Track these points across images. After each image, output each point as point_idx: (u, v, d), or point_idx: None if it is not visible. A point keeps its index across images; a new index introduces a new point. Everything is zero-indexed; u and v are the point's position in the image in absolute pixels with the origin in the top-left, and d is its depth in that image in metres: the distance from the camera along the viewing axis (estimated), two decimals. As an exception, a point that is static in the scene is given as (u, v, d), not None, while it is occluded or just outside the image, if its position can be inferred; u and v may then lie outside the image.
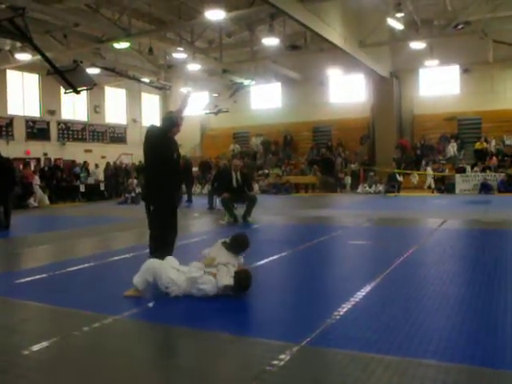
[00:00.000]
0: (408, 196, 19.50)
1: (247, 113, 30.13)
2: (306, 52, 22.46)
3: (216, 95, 28.57)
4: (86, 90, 11.87)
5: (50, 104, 24.51)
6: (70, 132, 25.66)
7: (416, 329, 3.84)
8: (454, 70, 25.34)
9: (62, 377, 3.25)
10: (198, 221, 12.75)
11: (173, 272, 4.95)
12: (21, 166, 19.86)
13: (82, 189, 21.53)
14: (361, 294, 4.85)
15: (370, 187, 21.65)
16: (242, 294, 4.86)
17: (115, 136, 28.31)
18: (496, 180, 19.92)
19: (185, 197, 17.42)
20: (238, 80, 26.68)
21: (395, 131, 25.54)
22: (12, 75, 23.13)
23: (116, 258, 7.32)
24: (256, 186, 21.35)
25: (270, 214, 13.49)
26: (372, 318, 4.17)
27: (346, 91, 27.94)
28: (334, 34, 18.13)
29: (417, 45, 21.18)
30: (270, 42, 19.48)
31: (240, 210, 11.69)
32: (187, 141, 25.71)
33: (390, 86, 25.33)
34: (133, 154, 26.75)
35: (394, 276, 5.72)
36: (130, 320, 4.33)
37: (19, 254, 8.47)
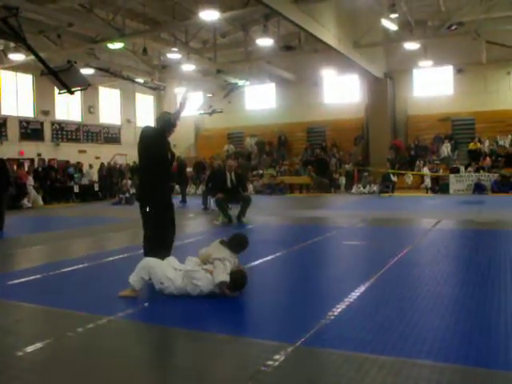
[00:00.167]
0: (402, 196, 19.55)
1: (241, 113, 30.13)
2: (300, 53, 22.49)
3: (210, 95, 28.55)
4: (80, 90, 11.82)
5: (43, 104, 24.44)
6: (64, 132, 25.60)
7: (410, 329, 3.86)
8: (447, 71, 25.47)
9: (56, 378, 3.24)
10: (193, 221, 12.73)
11: (170, 270, 4.96)
12: (15, 167, 19.78)
13: (76, 189, 21.46)
14: (355, 294, 4.86)
15: (364, 187, 21.69)
16: (237, 294, 4.86)
17: (109, 136, 28.25)
18: (490, 180, 20.00)
19: (179, 197, 17.42)
20: (233, 80, 26.69)
21: (389, 132, 25.63)
22: (5, 75, 23.05)
23: (110, 258, 7.31)
24: (250, 187, 21.35)
25: (265, 214, 13.49)
26: (366, 318, 4.18)
27: (340, 92, 28.01)
28: (328, 34, 18.16)
29: (411, 45, 21.26)
30: (264, 42, 19.50)
31: (234, 210, 11.69)
32: (181, 141, 25.72)
33: (384, 87, 25.41)
34: (127, 154, 26.72)
35: (389, 276, 5.73)
36: (125, 320, 4.32)
37: (13, 254, 8.43)
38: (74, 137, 26.09)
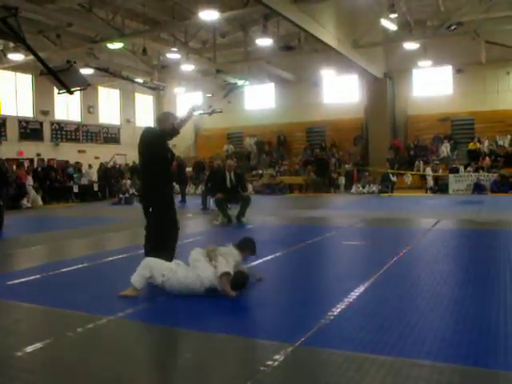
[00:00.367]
0: (402, 196, 19.56)
1: (241, 113, 30.14)
2: (299, 53, 22.49)
3: (210, 95, 28.54)
4: (80, 90, 11.80)
5: (43, 104, 24.43)
6: (64, 132, 25.59)
7: (410, 329, 3.85)
8: (447, 71, 25.47)
9: (56, 378, 3.24)
10: (192, 221, 12.72)
11: (173, 264, 5.04)
12: (14, 167, 19.77)
13: (76, 189, 21.46)
14: (355, 294, 4.86)
15: (363, 187, 21.70)
16: (236, 294, 4.84)
17: (109, 136, 28.25)
18: (489, 180, 20.01)
19: (179, 197, 17.41)
20: (232, 80, 26.69)
21: (389, 132, 25.64)
22: (5, 75, 23.04)
23: (110, 258, 7.30)
24: (250, 187, 21.35)
25: (264, 214, 13.49)
26: (366, 318, 4.18)
27: (340, 92, 28.01)
28: (328, 34, 18.17)
29: (410, 45, 21.28)
30: (264, 42, 19.51)
31: (234, 210, 11.69)
32: (181, 141, 25.70)
33: (384, 87, 25.43)
34: (126, 154, 26.72)
35: (388, 276, 5.73)
36: (125, 320, 4.31)
37: (12, 254, 8.42)
38: (73, 137, 26.08)
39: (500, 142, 23.54)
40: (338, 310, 4.34)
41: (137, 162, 23.35)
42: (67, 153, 24.90)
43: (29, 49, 11.11)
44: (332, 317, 4.17)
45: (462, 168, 21.72)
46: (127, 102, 29.70)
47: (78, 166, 23.12)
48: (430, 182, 21.35)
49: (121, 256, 7.38)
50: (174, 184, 17.79)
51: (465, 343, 3.52)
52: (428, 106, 25.29)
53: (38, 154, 23.60)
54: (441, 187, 20.63)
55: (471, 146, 23.58)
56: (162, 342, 4.01)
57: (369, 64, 22.84)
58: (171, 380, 3.32)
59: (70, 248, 9.03)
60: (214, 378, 3.22)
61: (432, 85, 26.02)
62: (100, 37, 19.25)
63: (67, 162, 23.56)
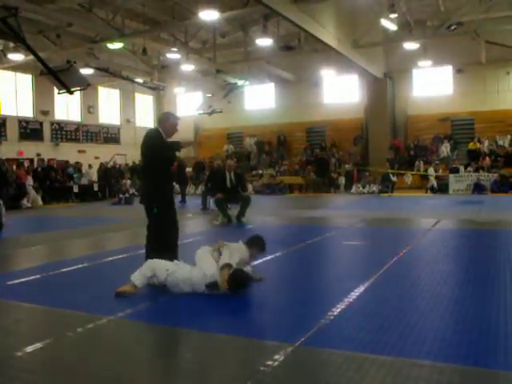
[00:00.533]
0: (402, 196, 19.56)
1: (241, 113, 30.14)
2: (299, 53, 22.49)
3: (210, 95, 28.55)
4: (80, 90, 11.84)
5: (43, 104, 24.44)
6: (64, 132, 25.61)
7: (410, 329, 3.85)
8: (447, 71, 25.46)
9: (56, 378, 3.24)
10: (192, 221, 12.72)
11: (175, 263, 5.09)
12: (14, 167, 19.78)
13: (76, 189, 21.46)
14: (355, 294, 4.86)
15: (363, 187, 21.70)
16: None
17: (109, 136, 28.25)
18: (489, 180, 20.02)
19: (179, 197, 17.41)
20: (232, 80, 26.68)
21: (389, 132, 25.64)
22: (5, 75, 23.05)
23: (110, 258, 7.29)
24: (250, 187, 21.35)
25: (264, 214, 13.49)
26: (366, 318, 4.17)
27: (340, 92, 28.01)
28: (328, 34, 18.17)
29: (410, 45, 21.28)
30: (264, 42, 19.51)
31: (234, 210, 11.69)
32: (181, 141, 25.64)
33: (384, 87, 25.43)
34: (126, 154, 26.74)
35: (388, 276, 5.73)
36: (125, 320, 4.31)
37: (12, 254, 8.42)
38: (73, 137, 26.09)
39: (500, 142, 23.54)
40: (338, 310, 4.34)
41: (137, 161, 23.45)
42: (67, 153, 24.90)
43: (29, 49, 11.14)
44: (332, 317, 4.17)
45: (462, 168, 21.73)
46: (127, 102, 29.71)
47: (78, 166, 23.12)
48: (433, 182, 21.33)
49: (121, 256, 7.38)
50: (174, 184, 17.88)
51: (465, 343, 3.52)
52: (428, 106, 25.28)
53: (38, 154, 23.61)
54: (441, 187, 20.63)
55: (471, 145, 23.58)
56: (161, 342, 4.01)
57: (369, 64, 22.85)
58: (171, 380, 3.32)
59: (69, 248, 9.03)
60: (214, 378, 3.22)
61: (432, 85, 26.01)
62: (100, 37, 19.25)
63: (67, 162, 23.57)
